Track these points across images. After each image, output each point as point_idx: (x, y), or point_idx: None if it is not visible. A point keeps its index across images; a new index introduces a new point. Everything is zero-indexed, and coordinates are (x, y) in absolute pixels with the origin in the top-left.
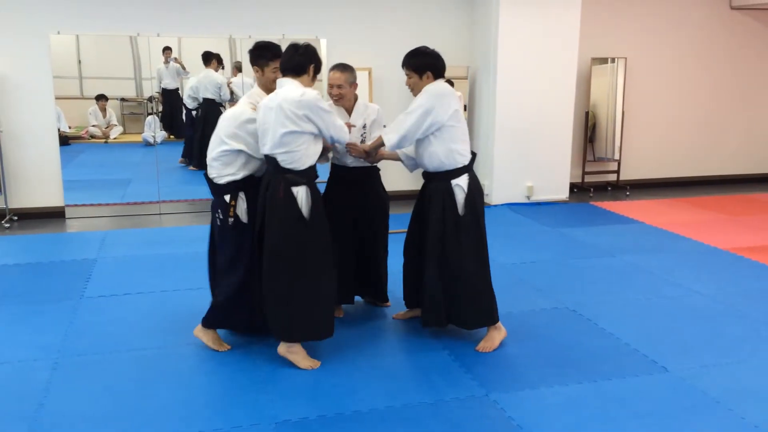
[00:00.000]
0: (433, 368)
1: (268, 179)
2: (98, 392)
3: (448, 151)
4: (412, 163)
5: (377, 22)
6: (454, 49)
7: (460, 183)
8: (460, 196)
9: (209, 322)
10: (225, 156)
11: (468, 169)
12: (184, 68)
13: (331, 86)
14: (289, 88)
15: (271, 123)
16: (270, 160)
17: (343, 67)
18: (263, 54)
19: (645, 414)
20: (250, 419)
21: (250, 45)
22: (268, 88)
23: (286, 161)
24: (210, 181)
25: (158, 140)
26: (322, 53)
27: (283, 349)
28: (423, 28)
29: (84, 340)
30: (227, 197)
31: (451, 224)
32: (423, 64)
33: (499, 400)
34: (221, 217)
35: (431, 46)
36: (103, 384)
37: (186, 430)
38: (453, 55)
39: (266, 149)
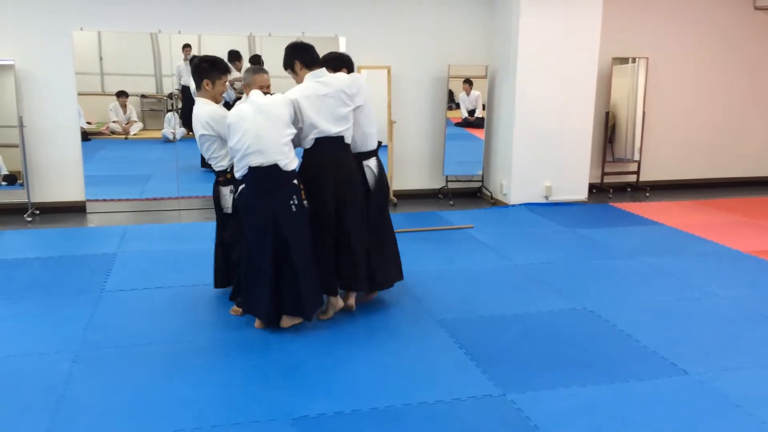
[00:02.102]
0: (449, 367)
1: (330, 160)
2: (117, 385)
3: (363, 135)
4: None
5: (396, 20)
6: (473, 49)
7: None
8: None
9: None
10: (289, 142)
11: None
12: None
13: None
14: (338, 76)
15: (331, 105)
16: (333, 140)
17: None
18: (218, 67)
19: (664, 417)
20: (266, 414)
21: (269, 43)
22: (216, 99)
23: (348, 138)
24: (273, 171)
25: (177, 137)
26: (342, 50)
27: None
28: (441, 26)
29: (104, 334)
30: (296, 181)
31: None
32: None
33: (516, 400)
34: (296, 202)
35: (450, 44)
36: (122, 377)
37: (203, 423)
38: (472, 54)
39: (335, 129)
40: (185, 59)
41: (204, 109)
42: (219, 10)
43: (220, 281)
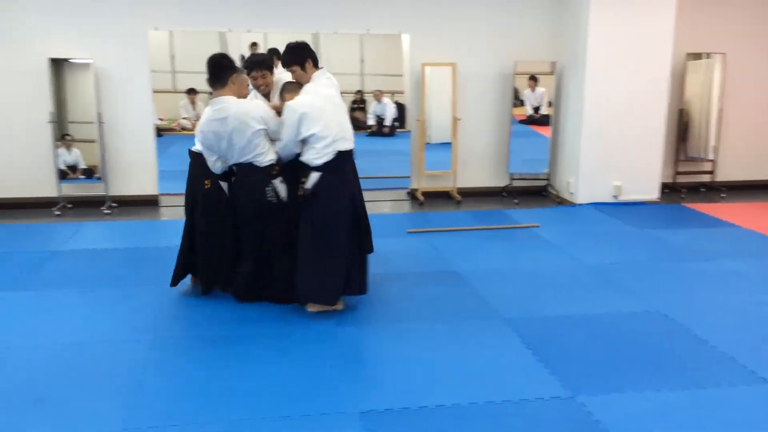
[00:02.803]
0: (516, 367)
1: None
2: (189, 372)
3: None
4: None
5: (461, 17)
6: (540, 44)
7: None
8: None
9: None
10: None
11: None
12: None
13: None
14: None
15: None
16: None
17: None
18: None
19: (742, 425)
20: (335, 407)
21: (334, 40)
22: (243, 95)
23: None
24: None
25: None
26: (405, 48)
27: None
28: (507, 21)
29: (175, 323)
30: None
31: None
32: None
33: (586, 402)
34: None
35: (515, 40)
36: (194, 365)
37: (273, 413)
38: (538, 50)
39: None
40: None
41: (253, 104)
42: (286, 9)
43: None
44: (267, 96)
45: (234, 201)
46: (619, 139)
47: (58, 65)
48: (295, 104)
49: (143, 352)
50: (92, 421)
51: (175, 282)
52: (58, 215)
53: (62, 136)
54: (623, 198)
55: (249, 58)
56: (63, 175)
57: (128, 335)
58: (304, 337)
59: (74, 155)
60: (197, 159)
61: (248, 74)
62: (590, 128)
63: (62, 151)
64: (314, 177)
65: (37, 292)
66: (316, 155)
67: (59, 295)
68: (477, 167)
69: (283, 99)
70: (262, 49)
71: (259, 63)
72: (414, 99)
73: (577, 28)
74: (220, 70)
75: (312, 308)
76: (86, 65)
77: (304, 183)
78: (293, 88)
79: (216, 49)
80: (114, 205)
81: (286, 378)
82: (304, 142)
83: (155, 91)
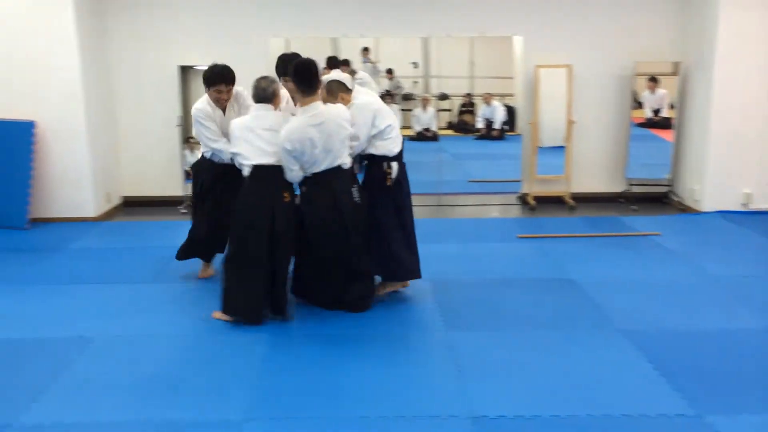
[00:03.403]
0: (635, 380)
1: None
2: (308, 369)
3: None
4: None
5: (578, 17)
6: (662, 44)
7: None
8: None
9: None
10: None
11: None
12: (376, 67)
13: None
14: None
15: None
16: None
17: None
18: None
19: None
20: (445, 410)
21: (445, 43)
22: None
23: None
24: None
25: None
26: (517, 50)
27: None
28: (626, 21)
29: (300, 324)
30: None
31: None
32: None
33: (714, 423)
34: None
35: (635, 40)
36: (313, 361)
37: (387, 412)
38: (660, 49)
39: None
40: (364, 61)
41: (337, 107)
42: (398, 14)
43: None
44: (224, 110)
45: (308, 210)
46: (749, 144)
47: (186, 72)
48: (366, 102)
49: (267, 349)
50: (219, 407)
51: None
52: (183, 213)
53: (186, 139)
54: (754, 207)
55: (211, 69)
56: (187, 176)
57: (250, 332)
58: (414, 340)
59: (196, 157)
60: (262, 172)
61: (208, 88)
62: (718, 132)
63: (187, 152)
64: (395, 165)
65: (171, 285)
66: (392, 144)
67: (185, 288)
68: (592, 172)
69: (333, 99)
70: (373, 54)
71: (222, 77)
72: (526, 102)
73: (703, 26)
74: (312, 76)
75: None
76: None
77: (389, 173)
78: (342, 88)
79: (327, 54)
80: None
81: (395, 379)
82: (374, 137)
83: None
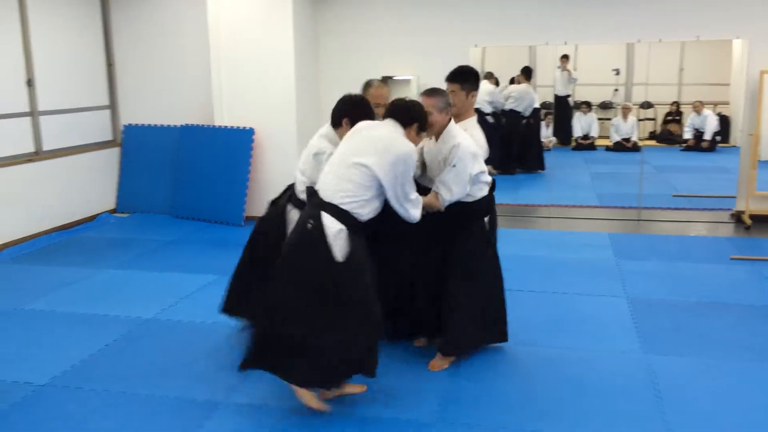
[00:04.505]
0: None
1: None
2: (494, 380)
3: None
4: None
5: None
6: None
7: None
8: None
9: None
10: None
11: None
12: (572, 75)
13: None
14: None
15: None
16: None
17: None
18: None
19: None
20: None
21: (652, 49)
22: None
23: None
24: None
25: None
26: (736, 55)
27: None
28: None
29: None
30: None
31: None
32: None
33: None
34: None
35: None
36: (496, 372)
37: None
38: None
39: None
40: (563, 69)
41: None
42: (604, 18)
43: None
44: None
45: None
46: None
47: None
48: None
49: None
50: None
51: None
52: None
53: None
54: None
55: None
56: None
57: None
58: (609, 362)
59: None
60: None
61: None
62: None
63: None
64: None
65: None
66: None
67: None
68: None
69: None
70: (571, 63)
71: None
72: (747, 110)
73: None
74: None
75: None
76: (407, 81)
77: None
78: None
79: (524, 62)
80: None
81: (588, 401)
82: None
83: None
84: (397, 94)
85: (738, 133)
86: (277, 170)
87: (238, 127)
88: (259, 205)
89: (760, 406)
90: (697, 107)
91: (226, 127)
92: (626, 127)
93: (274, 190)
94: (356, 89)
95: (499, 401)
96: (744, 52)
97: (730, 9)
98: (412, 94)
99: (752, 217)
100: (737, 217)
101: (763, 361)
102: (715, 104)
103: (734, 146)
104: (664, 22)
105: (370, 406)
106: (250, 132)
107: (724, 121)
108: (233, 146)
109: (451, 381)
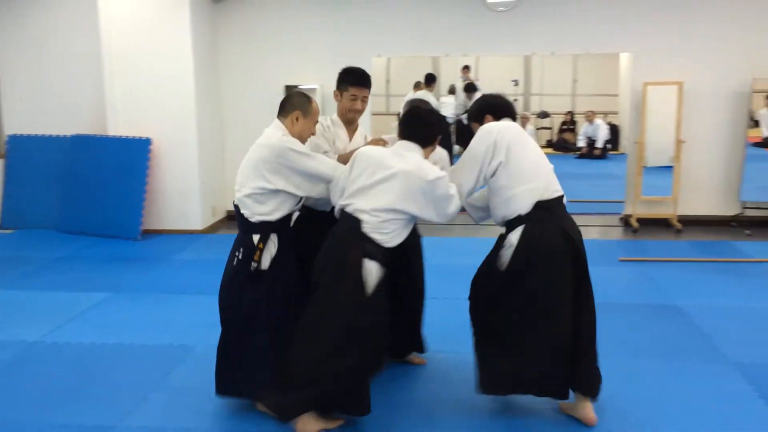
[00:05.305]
0: (744, 416)
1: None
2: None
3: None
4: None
5: (689, 32)
6: None
7: (511, 236)
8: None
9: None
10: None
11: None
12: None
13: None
14: None
15: None
16: None
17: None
18: (344, 78)
19: None
20: None
21: (547, 62)
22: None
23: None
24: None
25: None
26: (623, 67)
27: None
28: (743, 35)
29: None
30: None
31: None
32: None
33: None
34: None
35: (753, 55)
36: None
37: None
38: None
39: None
40: (463, 79)
41: None
42: (501, 31)
43: None
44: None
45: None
46: None
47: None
48: None
49: None
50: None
51: None
52: None
53: None
54: None
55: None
56: None
57: None
58: None
59: None
60: None
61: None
62: None
63: None
64: None
65: None
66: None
67: None
68: (702, 193)
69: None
70: (472, 73)
71: None
72: (632, 120)
73: None
74: None
75: None
76: (313, 90)
77: None
78: None
79: (430, 72)
80: None
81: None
82: None
83: (371, 114)
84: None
85: (626, 141)
86: (176, 180)
87: (134, 137)
88: (157, 217)
89: (648, 402)
90: (590, 117)
91: (120, 136)
92: None
93: (174, 202)
94: (260, 97)
95: (421, 408)
96: (630, 65)
97: (617, 24)
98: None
99: (639, 220)
100: (626, 221)
101: (649, 358)
102: (606, 114)
103: (623, 153)
104: (556, 36)
105: None
106: (146, 142)
107: (614, 130)
108: (128, 157)
109: None
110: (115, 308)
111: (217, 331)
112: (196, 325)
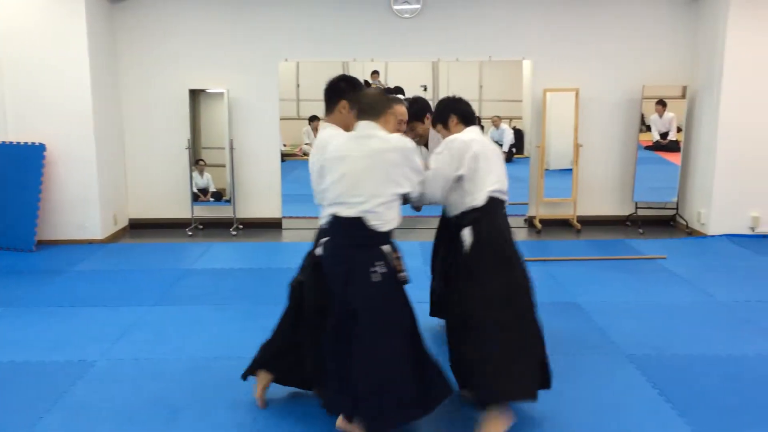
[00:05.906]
0: (640, 406)
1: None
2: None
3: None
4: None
5: (585, 41)
6: (670, 68)
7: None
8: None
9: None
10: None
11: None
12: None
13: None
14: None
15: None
16: None
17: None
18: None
19: None
20: None
21: (453, 67)
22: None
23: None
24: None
25: None
26: (526, 74)
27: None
28: (635, 45)
29: None
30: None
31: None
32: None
33: None
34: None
35: (643, 63)
36: None
37: None
38: (668, 73)
39: None
40: (374, 84)
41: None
42: (407, 38)
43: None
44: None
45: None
46: (757, 167)
47: (196, 95)
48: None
49: None
50: None
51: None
52: (190, 235)
53: (196, 161)
54: (761, 230)
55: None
56: (195, 198)
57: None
58: None
59: (206, 179)
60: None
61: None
62: (725, 155)
63: (195, 174)
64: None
65: (176, 307)
66: None
67: (194, 310)
68: (599, 195)
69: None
70: (381, 77)
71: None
72: (534, 125)
73: (712, 50)
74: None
75: None
76: (220, 95)
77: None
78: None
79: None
80: (240, 227)
81: None
82: None
83: (281, 119)
84: (209, 109)
85: (529, 146)
86: (73, 187)
87: (26, 143)
88: (54, 227)
89: (550, 396)
90: (496, 122)
91: (11, 142)
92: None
93: (72, 210)
94: (163, 101)
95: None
96: (530, 72)
97: (517, 32)
98: (223, 110)
99: (542, 221)
100: (530, 222)
101: (551, 353)
102: (511, 119)
103: (527, 157)
104: (459, 43)
105: None
106: (40, 148)
107: (519, 135)
108: (20, 164)
109: None
110: (7, 324)
111: (119, 344)
112: (96, 339)
